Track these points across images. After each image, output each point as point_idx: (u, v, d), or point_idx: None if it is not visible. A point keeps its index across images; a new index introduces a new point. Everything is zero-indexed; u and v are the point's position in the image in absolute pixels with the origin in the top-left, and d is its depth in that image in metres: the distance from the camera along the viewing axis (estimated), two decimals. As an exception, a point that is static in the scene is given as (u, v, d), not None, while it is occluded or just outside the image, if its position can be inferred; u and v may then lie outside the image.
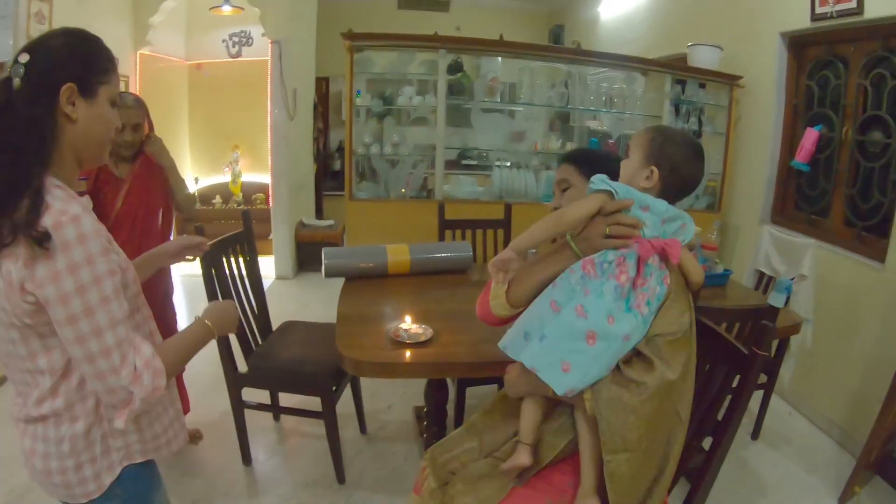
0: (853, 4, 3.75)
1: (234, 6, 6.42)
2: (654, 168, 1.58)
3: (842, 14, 3.84)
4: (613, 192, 1.55)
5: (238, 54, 7.21)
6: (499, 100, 4.70)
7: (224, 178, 7.39)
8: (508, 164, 4.80)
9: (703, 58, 5.00)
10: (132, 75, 6.04)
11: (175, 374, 1.51)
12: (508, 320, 1.81)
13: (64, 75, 1.33)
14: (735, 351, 1.79)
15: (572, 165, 1.90)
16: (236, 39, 7.19)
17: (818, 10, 4.03)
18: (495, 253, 3.71)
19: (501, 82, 4.62)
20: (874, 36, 3.78)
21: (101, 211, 2.74)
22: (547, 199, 4.59)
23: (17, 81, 1.31)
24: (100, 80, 1.40)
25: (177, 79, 6.99)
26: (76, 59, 1.37)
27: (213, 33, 7.21)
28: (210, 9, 6.54)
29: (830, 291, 3.89)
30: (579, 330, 1.50)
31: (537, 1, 9.33)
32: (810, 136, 4.17)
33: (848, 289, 3.78)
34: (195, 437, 3.26)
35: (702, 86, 5.10)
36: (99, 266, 1.28)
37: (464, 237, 3.70)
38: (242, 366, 2.96)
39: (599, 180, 1.57)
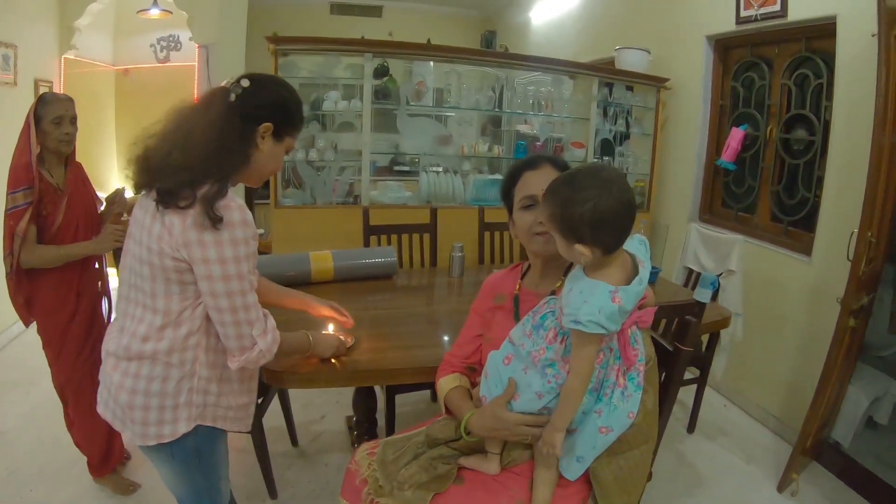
0: (777, 7, 3.84)
1: (162, 10, 6.21)
2: (578, 245, 1.39)
3: (766, 17, 3.93)
4: (607, 332, 1.39)
5: (166, 59, 7.00)
6: (427, 104, 4.66)
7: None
8: (439, 169, 4.76)
9: (631, 61, 5.06)
10: (56, 80, 5.79)
11: (281, 354, 1.81)
12: None
13: (269, 115, 1.67)
14: (660, 348, 1.81)
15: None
16: (164, 44, 6.97)
17: (743, 13, 4.12)
18: (422, 258, 3.72)
19: (427, 87, 4.58)
20: (797, 37, 3.88)
21: (42, 223, 2.59)
22: (476, 202, 4.60)
23: (233, 97, 1.64)
24: (289, 133, 1.75)
25: (103, 84, 6.76)
26: (283, 110, 1.72)
27: (141, 37, 6.97)
28: (137, 12, 6.31)
29: (759, 285, 3.99)
30: (610, 440, 1.53)
31: (469, 7, 9.34)
32: (736, 135, 4.27)
33: (776, 282, 3.89)
34: (126, 457, 3.12)
35: (629, 88, 5.14)
36: (251, 246, 1.59)
37: (389, 242, 3.65)
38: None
39: (590, 323, 1.35)
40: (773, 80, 4.11)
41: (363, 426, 2.61)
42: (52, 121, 2.56)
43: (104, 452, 2.90)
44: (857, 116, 3.29)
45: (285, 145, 1.76)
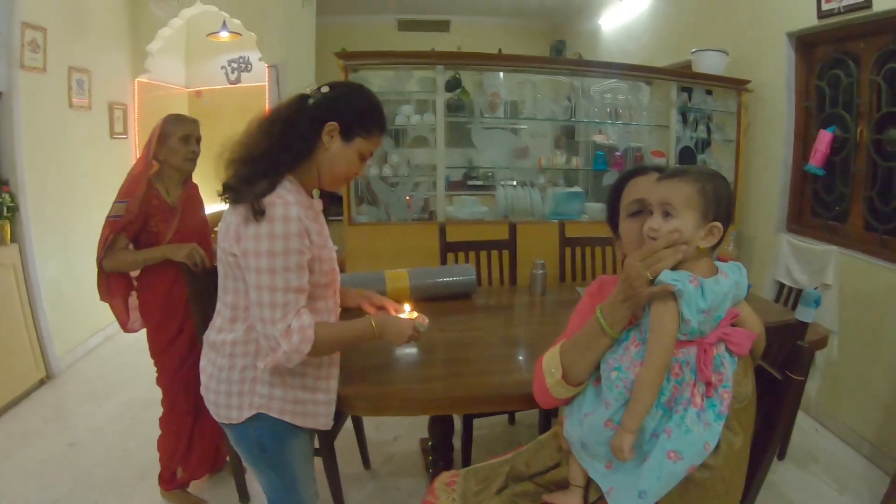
0: None
1: (231, 32, 6.38)
2: (716, 224, 1.40)
3: (849, 9, 3.69)
4: (679, 292, 1.34)
5: (237, 80, 7.14)
6: (501, 116, 4.55)
7: (223, 206, 7.14)
8: (514, 182, 4.66)
9: (709, 63, 4.87)
10: (130, 103, 5.96)
11: (326, 350, 1.78)
12: (569, 399, 1.61)
13: (336, 115, 1.74)
14: (767, 376, 1.62)
15: (661, 179, 1.48)
16: (235, 65, 7.12)
17: (824, 6, 3.89)
18: (501, 275, 3.60)
19: (502, 98, 4.47)
20: (885, 30, 3.63)
21: (151, 240, 2.73)
22: (555, 217, 4.47)
23: (311, 101, 1.76)
24: (360, 133, 1.78)
25: (177, 106, 6.82)
26: (352, 109, 1.77)
27: (212, 60, 7.14)
28: (207, 35, 6.52)
29: (854, 300, 3.71)
30: (679, 472, 1.34)
31: (537, 17, 9.26)
32: (824, 138, 4.01)
33: (872, 296, 3.60)
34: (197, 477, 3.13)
35: (709, 92, 4.96)
36: (291, 242, 1.62)
37: (467, 259, 3.54)
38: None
39: (670, 279, 1.34)
40: (861, 77, 3.84)
41: (438, 451, 2.52)
42: (180, 138, 2.73)
43: (175, 466, 2.95)
44: None
45: (357, 147, 1.79)
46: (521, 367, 2.31)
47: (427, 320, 2.01)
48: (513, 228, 3.60)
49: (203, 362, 1.88)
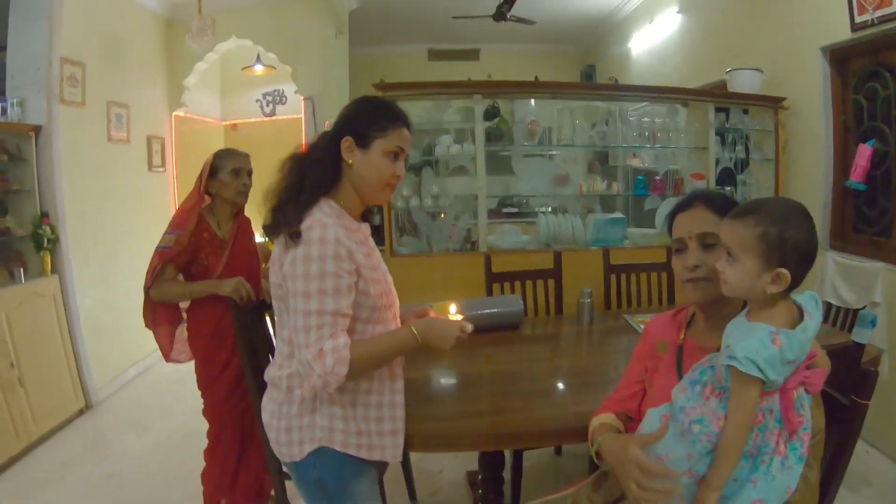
0: (894, 8, 3.57)
1: (266, 65, 6.48)
2: (781, 270, 1.30)
3: (883, 20, 3.67)
4: (763, 377, 1.27)
5: (272, 113, 7.23)
6: (537, 143, 4.52)
7: (260, 238, 7.17)
8: (552, 209, 4.66)
9: (744, 82, 4.86)
10: (168, 137, 6.11)
11: (367, 368, 1.72)
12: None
13: (346, 130, 1.77)
14: (832, 401, 1.60)
15: (716, 213, 1.54)
16: (270, 98, 7.22)
17: (857, 19, 3.87)
18: (546, 304, 3.58)
19: (540, 125, 4.46)
20: None
21: (201, 273, 2.77)
22: (597, 244, 4.45)
23: (326, 125, 1.85)
24: (375, 135, 1.76)
25: (213, 139, 7.00)
26: (357, 118, 1.80)
27: (247, 93, 7.26)
28: (242, 69, 6.62)
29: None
30: None
31: (567, 42, 9.34)
32: (864, 152, 3.97)
33: None
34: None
35: (745, 111, 4.91)
36: (328, 265, 1.61)
37: (513, 290, 3.51)
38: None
39: (746, 360, 1.26)
40: None
41: (489, 485, 2.47)
42: (230, 171, 2.77)
43: (219, 499, 2.94)
44: None
45: (379, 150, 1.77)
46: (568, 403, 2.28)
47: (470, 325, 1.89)
48: (558, 257, 3.58)
49: (264, 400, 1.87)
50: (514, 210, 5.02)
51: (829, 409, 1.50)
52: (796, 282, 1.32)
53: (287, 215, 1.68)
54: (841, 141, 4.38)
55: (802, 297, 1.37)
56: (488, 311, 3.07)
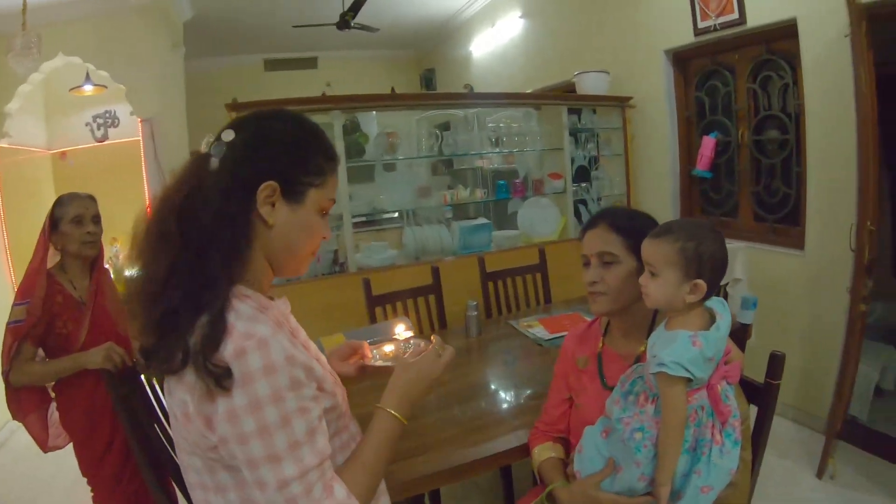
0: (735, 15, 3.89)
1: (96, 84, 5.80)
2: (699, 281, 1.42)
3: (725, 26, 3.98)
4: (691, 376, 1.36)
5: (104, 137, 6.55)
6: (398, 156, 4.42)
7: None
8: (417, 220, 4.62)
9: (591, 83, 5.04)
10: (-10, 171, 5.46)
11: (372, 496, 1.27)
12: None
13: (267, 169, 1.15)
14: (748, 385, 1.80)
15: (616, 234, 1.69)
16: (101, 121, 6.53)
17: (700, 24, 4.17)
18: (430, 321, 3.47)
19: (400, 137, 4.35)
20: (758, 41, 3.95)
21: (61, 344, 2.36)
22: (465, 250, 4.44)
23: (215, 162, 1.13)
24: (311, 182, 1.21)
25: (39, 171, 6.26)
26: (286, 151, 1.19)
27: (76, 116, 6.50)
28: (70, 90, 5.90)
29: (759, 286, 4.01)
30: (711, 499, 1.43)
31: (406, 47, 9.33)
32: (707, 143, 4.35)
33: (774, 280, 3.94)
34: None
35: (594, 111, 5.11)
36: (288, 404, 1.06)
37: (395, 310, 3.39)
38: None
39: (673, 364, 1.34)
40: (738, 85, 4.19)
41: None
42: (71, 221, 2.37)
43: None
44: (829, 110, 3.45)
45: (314, 203, 1.22)
46: (480, 426, 2.14)
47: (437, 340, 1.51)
48: (436, 272, 3.50)
49: None
50: (384, 228, 4.90)
51: (746, 391, 1.69)
52: (711, 291, 1.45)
53: (185, 335, 1.05)
54: (685, 134, 4.73)
55: (710, 301, 1.49)
56: (380, 338, 2.92)
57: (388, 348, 1.76)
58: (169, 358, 1.06)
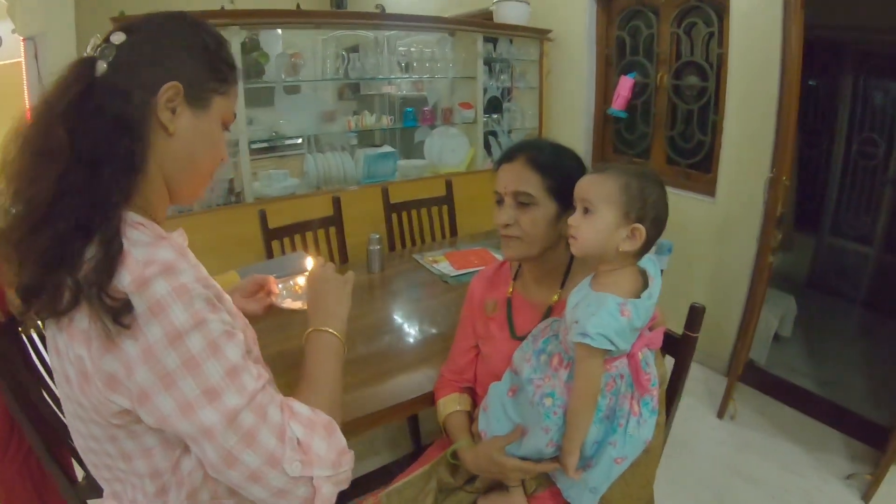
0: None
1: None
2: (638, 225, 1.27)
3: None
4: (615, 349, 1.24)
5: None
6: (301, 78, 4.11)
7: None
8: (320, 147, 4.38)
9: (510, 13, 4.87)
10: None
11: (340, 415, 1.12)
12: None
13: (168, 68, 0.98)
14: (665, 336, 1.62)
15: (535, 172, 1.48)
16: None
17: None
18: (330, 254, 3.25)
19: (304, 59, 4.04)
20: None
21: None
22: (368, 180, 4.25)
23: (102, 66, 0.95)
24: (216, 89, 1.05)
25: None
26: (188, 51, 1.02)
27: None
28: None
29: (667, 230, 3.89)
30: (625, 468, 1.36)
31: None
32: (625, 83, 4.28)
33: (682, 224, 3.92)
34: None
35: (510, 41, 4.95)
36: (212, 326, 0.90)
37: (293, 244, 3.16)
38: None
39: (598, 336, 1.20)
40: (662, 29, 4.11)
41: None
42: None
43: None
44: (752, 64, 3.41)
45: (217, 113, 1.07)
46: (387, 371, 1.99)
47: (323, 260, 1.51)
48: (337, 202, 3.27)
49: None
50: (286, 154, 4.65)
51: (664, 343, 1.48)
52: (646, 246, 1.31)
53: (74, 268, 0.86)
54: (603, 72, 4.66)
55: (643, 261, 1.35)
56: (276, 275, 2.70)
57: (300, 281, 1.60)
58: (55, 296, 0.86)
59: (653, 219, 1.28)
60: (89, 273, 0.84)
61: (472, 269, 2.82)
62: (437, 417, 1.74)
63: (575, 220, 1.32)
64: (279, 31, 4.32)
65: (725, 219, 3.69)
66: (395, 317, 2.50)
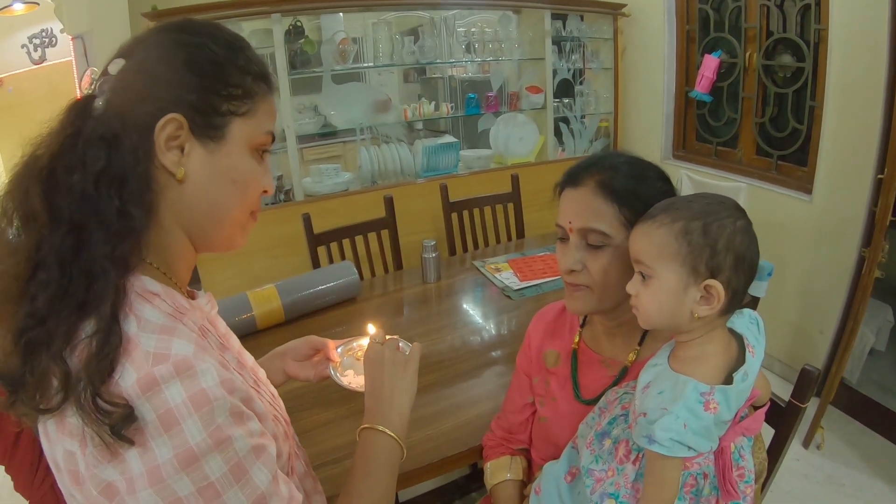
0: None
1: (26, 2, 5.19)
2: (712, 282, 0.94)
3: None
4: (694, 453, 0.95)
5: (42, 58, 5.95)
6: (351, 64, 3.82)
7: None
8: (375, 139, 4.10)
9: (582, -13, 4.49)
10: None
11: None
12: None
13: (166, 97, 0.77)
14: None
15: (610, 202, 1.13)
16: (38, 41, 5.92)
17: None
18: (384, 260, 2.98)
19: (353, 44, 3.75)
20: None
21: None
22: (428, 173, 3.98)
23: (99, 104, 0.77)
24: (233, 109, 0.82)
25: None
26: (193, 69, 0.79)
27: (9, 39, 5.89)
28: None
29: (757, 228, 3.54)
30: None
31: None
32: (709, 63, 3.88)
33: (774, 223, 3.53)
34: None
35: (581, 18, 4.59)
36: (238, 444, 0.70)
37: (341, 249, 2.89)
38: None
39: (671, 442, 0.91)
40: (750, 1, 3.65)
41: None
42: None
43: None
44: (857, 44, 2.96)
45: (240, 140, 0.83)
46: (445, 411, 1.72)
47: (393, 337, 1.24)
48: (389, 203, 2.99)
49: None
50: (337, 151, 4.44)
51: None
52: (735, 300, 0.97)
53: (61, 351, 0.68)
54: (684, 50, 4.27)
55: (741, 319, 1.04)
56: (318, 288, 2.42)
57: (364, 344, 1.26)
58: (40, 388, 0.68)
59: (733, 265, 0.95)
60: (80, 367, 0.66)
61: (537, 281, 2.59)
62: (484, 478, 1.47)
63: (633, 287, 1.02)
64: (328, 16, 4.03)
65: (823, 220, 3.27)
66: (449, 340, 2.19)
